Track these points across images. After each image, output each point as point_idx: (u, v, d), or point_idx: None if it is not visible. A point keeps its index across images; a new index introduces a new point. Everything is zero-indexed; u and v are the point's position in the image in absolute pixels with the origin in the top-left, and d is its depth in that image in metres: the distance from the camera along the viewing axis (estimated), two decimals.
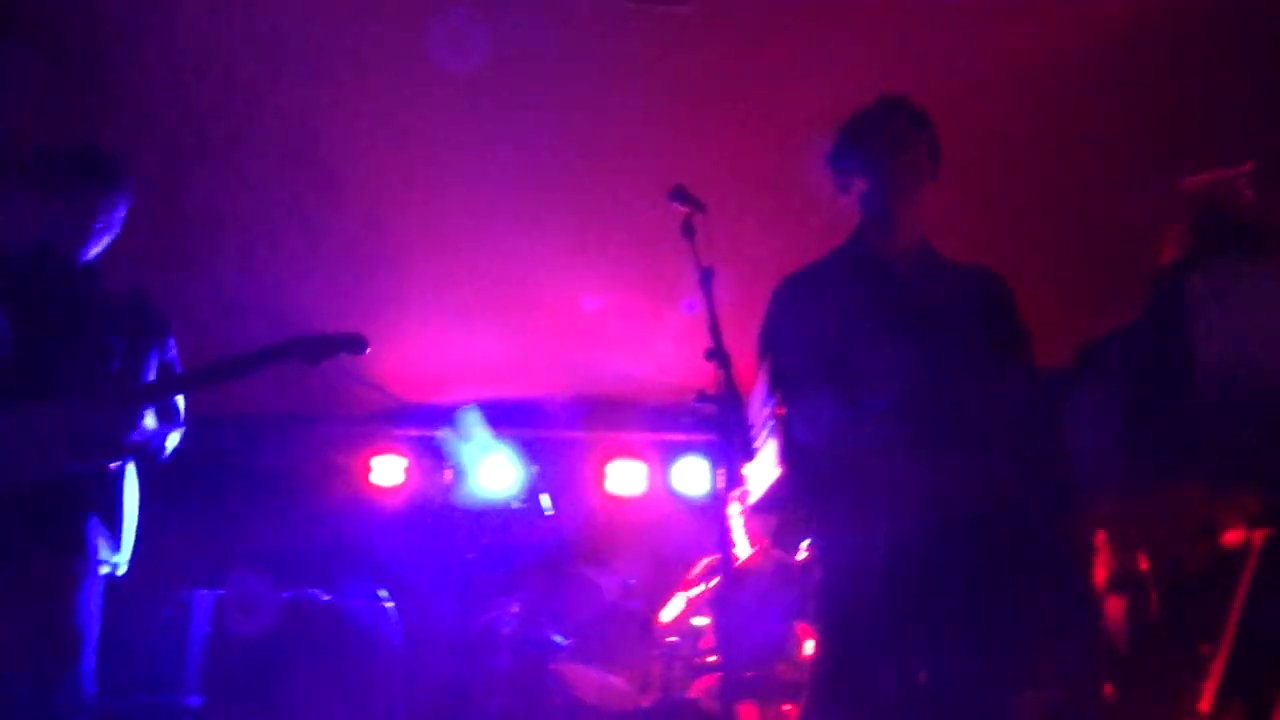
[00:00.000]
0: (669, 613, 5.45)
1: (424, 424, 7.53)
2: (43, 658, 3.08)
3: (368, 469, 7.46)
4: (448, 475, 7.33)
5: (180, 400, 3.54)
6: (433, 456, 7.45)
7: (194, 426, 7.54)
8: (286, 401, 7.39)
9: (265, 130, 4.95)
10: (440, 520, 7.11)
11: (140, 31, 4.42)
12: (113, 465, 3.29)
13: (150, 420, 3.32)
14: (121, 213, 3.46)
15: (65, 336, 3.25)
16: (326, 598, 5.60)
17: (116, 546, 3.34)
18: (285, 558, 6.44)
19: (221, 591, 5.48)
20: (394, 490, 7.45)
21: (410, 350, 6.88)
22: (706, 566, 5.57)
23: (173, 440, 3.54)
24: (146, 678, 5.10)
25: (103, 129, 4.85)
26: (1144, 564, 3.25)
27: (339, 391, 7.21)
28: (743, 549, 5.15)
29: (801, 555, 4.90)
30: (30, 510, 3.06)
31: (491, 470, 7.19)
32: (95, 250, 3.42)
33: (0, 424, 3.03)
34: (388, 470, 7.47)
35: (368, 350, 3.44)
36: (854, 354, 2.79)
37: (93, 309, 3.35)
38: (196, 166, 5.15)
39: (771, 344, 3.00)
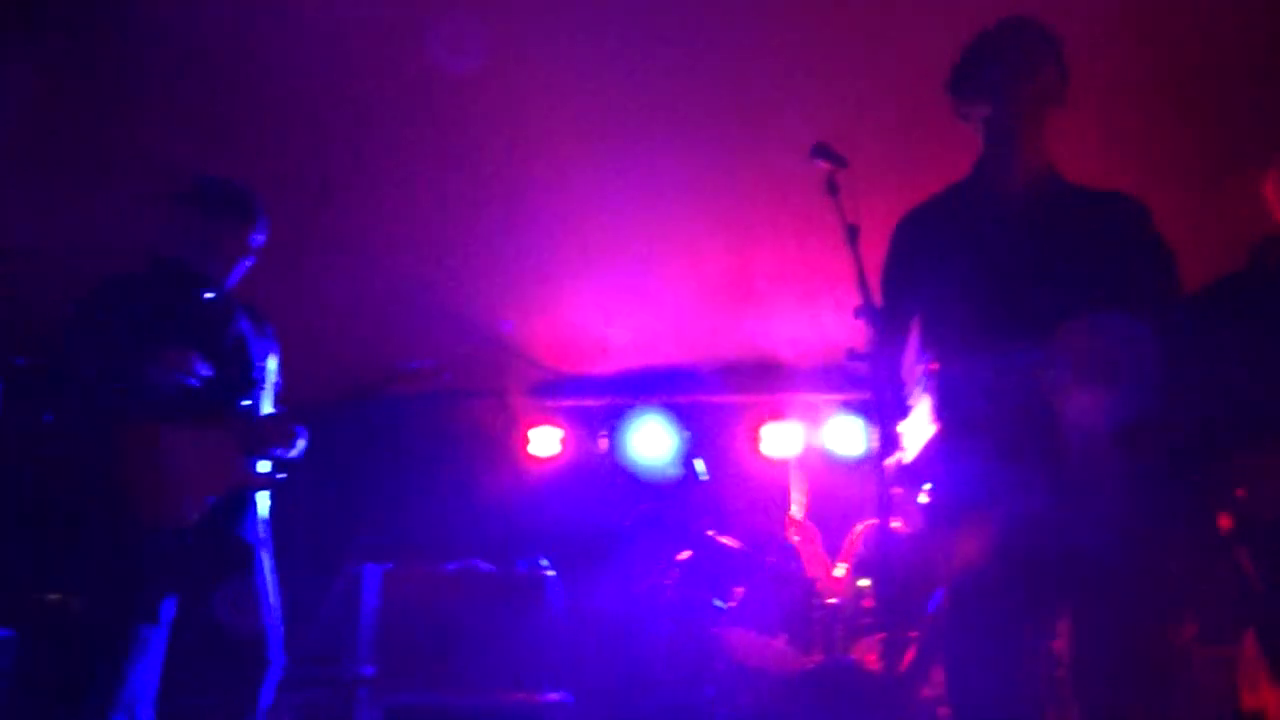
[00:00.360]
0: (829, 575, 5.42)
1: (579, 394, 7.63)
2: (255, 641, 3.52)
3: (526, 440, 7.59)
4: (603, 444, 7.42)
5: None
6: (589, 426, 7.54)
7: (361, 406, 7.81)
8: (448, 377, 7.57)
9: (411, 111, 5.03)
10: (597, 489, 7.21)
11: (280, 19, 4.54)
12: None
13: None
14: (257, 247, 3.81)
15: (236, 364, 3.64)
16: (490, 568, 5.73)
17: None
18: (450, 530, 6.62)
19: (390, 565, 5.65)
20: (551, 460, 7.56)
21: (563, 322, 6.95)
22: (865, 527, 5.52)
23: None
24: (322, 649, 5.30)
25: (241, 114, 5.03)
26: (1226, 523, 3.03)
27: (497, 365, 7.37)
28: (900, 509, 5.08)
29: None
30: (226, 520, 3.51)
31: (646, 438, 7.25)
32: (234, 279, 3.77)
33: (207, 438, 3.46)
34: (545, 441, 7.59)
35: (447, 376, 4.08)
36: (988, 297, 2.70)
37: (246, 334, 3.72)
38: (346, 151, 5.28)
39: (896, 287, 2.91)
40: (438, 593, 5.56)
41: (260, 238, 3.78)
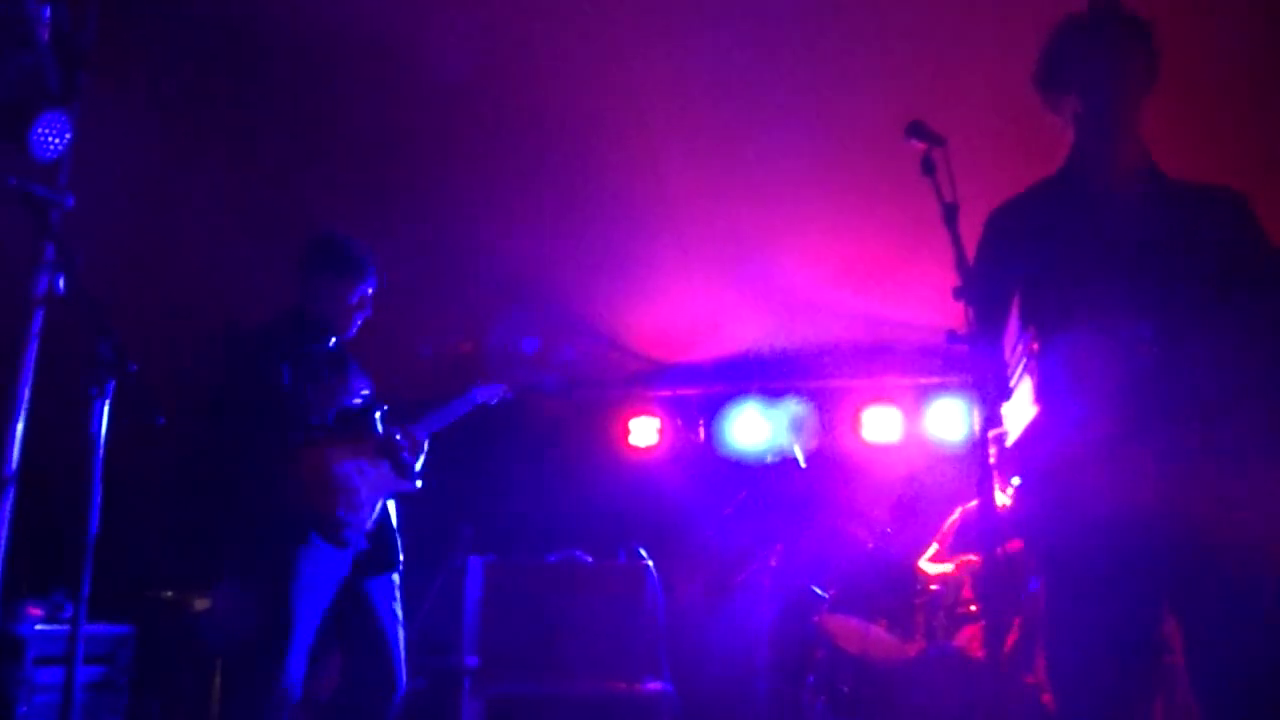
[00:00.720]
0: (930, 561, 5.35)
1: (676, 384, 7.62)
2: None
3: (626, 431, 7.61)
4: (701, 432, 7.41)
5: None
6: (686, 415, 7.53)
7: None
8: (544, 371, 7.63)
9: (510, 101, 5.07)
10: (696, 478, 7.20)
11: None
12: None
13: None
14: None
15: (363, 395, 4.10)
16: (591, 559, 5.75)
17: None
18: (551, 522, 6.66)
19: (493, 557, 5.71)
20: (650, 450, 7.57)
21: (659, 311, 6.96)
22: (965, 510, 5.43)
23: None
24: (427, 642, 5.37)
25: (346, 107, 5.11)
26: None
27: (595, 358, 7.40)
28: (1003, 492, 4.98)
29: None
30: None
31: (744, 425, 7.22)
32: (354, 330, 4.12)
33: (368, 453, 3.98)
34: (643, 431, 7.60)
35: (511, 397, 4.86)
36: (1098, 280, 2.63)
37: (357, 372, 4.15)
38: (446, 142, 5.33)
39: (993, 269, 2.84)
40: (539, 584, 5.60)
41: (370, 289, 4.09)
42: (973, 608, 5.03)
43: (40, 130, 3.53)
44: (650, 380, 7.67)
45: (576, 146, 5.36)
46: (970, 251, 2.73)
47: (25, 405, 3.69)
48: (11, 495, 3.62)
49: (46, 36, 3.59)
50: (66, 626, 5.09)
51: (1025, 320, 2.72)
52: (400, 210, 5.73)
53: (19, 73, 3.54)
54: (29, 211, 3.25)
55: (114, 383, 3.07)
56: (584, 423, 7.67)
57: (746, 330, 7.13)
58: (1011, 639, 4.53)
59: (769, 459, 6.86)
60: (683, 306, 6.84)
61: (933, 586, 5.16)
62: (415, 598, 5.40)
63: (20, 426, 3.66)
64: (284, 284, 4.13)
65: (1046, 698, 4.05)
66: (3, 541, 3.69)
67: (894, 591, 5.06)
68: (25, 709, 4.97)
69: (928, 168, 2.80)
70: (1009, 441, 2.93)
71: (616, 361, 7.56)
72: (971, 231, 2.77)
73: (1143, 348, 2.50)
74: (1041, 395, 2.65)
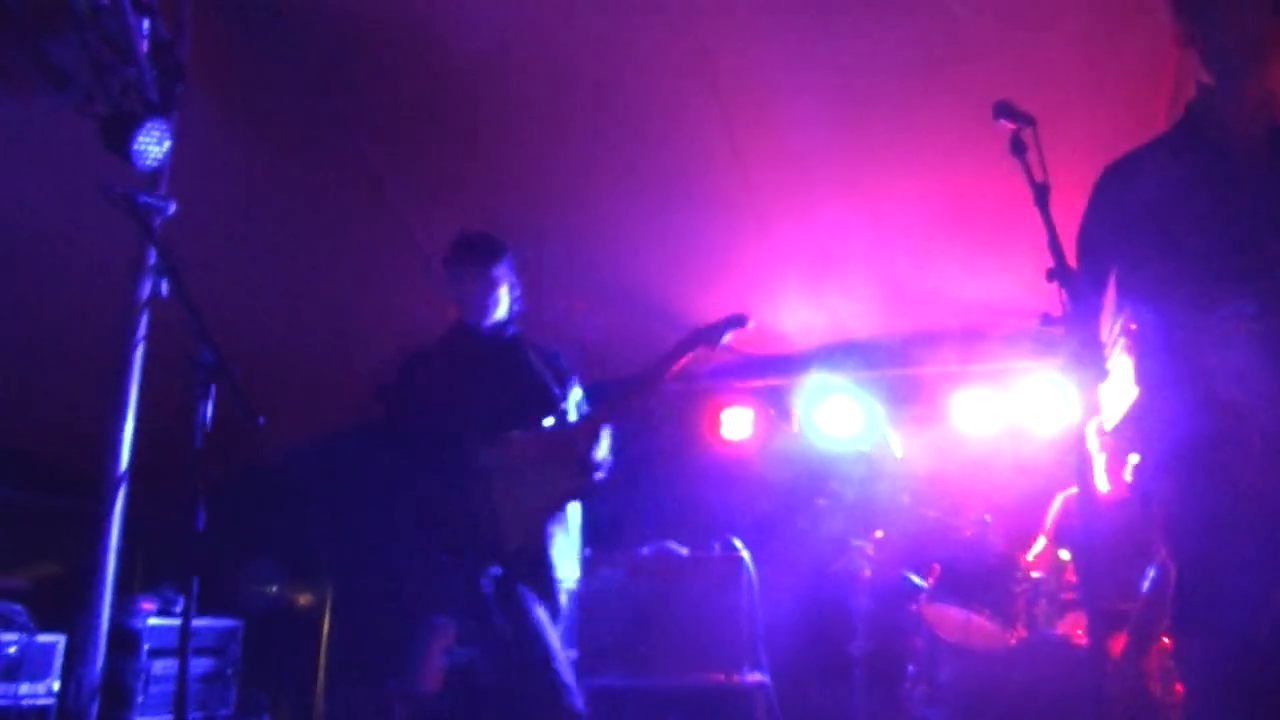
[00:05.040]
0: (1031, 548, 5.26)
1: (767, 374, 7.59)
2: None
3: (718, 423, 7.60)
4: (795, 423, 7.37)
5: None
6: (779, 406, 7.50)
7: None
8: (636, 366, 7.66)
9: (597, 98, 5.09)
10: (790, 468, 7.16)
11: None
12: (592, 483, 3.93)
13: (607, 439, 3.92)
14: (509, 278, 4.13)
15: (528, 389, 3.99)
16: (685, 551, 5.76)
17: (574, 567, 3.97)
18: (645, 514, 6.69)
19: (588, 551, 5.75)
20: (743, 442, 7.55)
21: (749, 302, 6.92)
22: (1066, 497, 5.34)
23: None
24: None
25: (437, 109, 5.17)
26: None
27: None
28: (1103, 477, 4.88)
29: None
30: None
31: (838, 415, 7.16)
32: (498, 312, 4.08)
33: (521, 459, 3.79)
34: (736, 423, 7.59)
35: (750, 324, 4.09)
36: (1201, 253, 2.52)
37: (531, 362, 4.09)
38: (525, 136, 5.38)
39: (1093, 245, 2.75)
40: (635, 577, 5.62)
41: (503, 268, 4.09)
42: (1074, 595, 4.95)
43: (141, 140, 3.64)
44: (742, 372, 7.65)
45: (660, 140, 5.36)
46: (1062, 232, 2.68)
47: (133, 406, 3.81)
48: (123, 494, 3.74)
49: (146, 48, 3.70)
50: (178, 620, 5.27)
51: (1122, 297, 2.65)
52: (491, 207, 5.79)
53: (121, 85, 3.65)
54: (132, 218, 3.35)
55: (215, 385, 3.15)
56: (676, 416, 7.67)
57: (837, 319, 7.08)
58: (1124, 634, 4.44)
59: (863, 449, 6.81)
60: (772, 296, 6.80)
61: (1034, 574, 5.08)
62: None
63: (129, 427, 3.78)
64: (372, 288, 4.18)
65: (1153, 685, 3.96)
66: (116, 538, 3.82)
67: (993, 579, 4.98)
68: (142, 699, 5.14)
69: (1017, 148, 2.76)
70: (1108, 425, 2.86)
71: (706, 354, 7.55)
72: (1062, 212, 2.71)
73: (1242, 325, 2.42)
74: (1142, 376, 2.59)
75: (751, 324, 4.05)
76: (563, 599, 3.80)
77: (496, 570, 3.64)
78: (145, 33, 3.72)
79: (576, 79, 4.97)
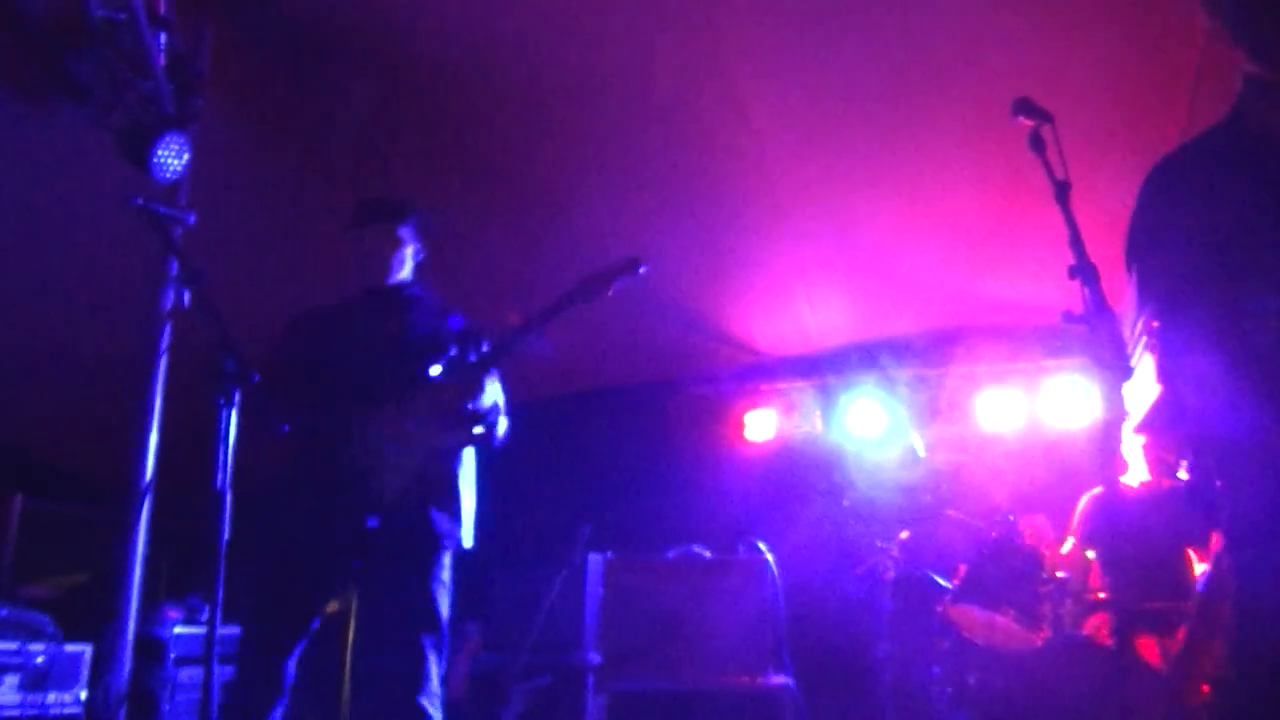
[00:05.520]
0: (1056, 548, 5.23)
1: (791, 376, 7.59)
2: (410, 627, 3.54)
3: (742, 425, 7.60)
4: (818, 424, 7.36)
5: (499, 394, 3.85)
6: (803, 407, 7.49)
7: (579, 400, 7.98)
8: (659, 369, 7.68)
9: (612, 95, 5.09)
10: (814, 469, 7.15)
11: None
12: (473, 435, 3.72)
13: (494, 390, 3.67)
14: (411, 239, 4.00)
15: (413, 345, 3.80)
16: (710, 553, 5.75)
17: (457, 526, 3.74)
18: (669, 517, 6.68)
19: (612, 554, 5.75)
20: (767, 444, 7.54)
21: (771, 303, 6.93)
22: (1092, 496, 5.30)
23: (503, 426, 3.83)
24: (549, 639, 5.43)
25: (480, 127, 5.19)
26: None
27: (708, 353, 7.41)
28: (1129, 475, 4.86)
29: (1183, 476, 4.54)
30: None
31: (862, 415, 7.14)
32: (402, 273, 3.96)
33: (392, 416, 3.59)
34: (760, 424, 7.58)
35: (643, 269, 3.74)
36: (1244, 253, 2.47)
37: (409, 314, 3.91)
38: (547, 140, 5.39)
39: (1141, 244, 2.68)
40: (659, 580, 5.61)
41: (408, 230, 3.98)
42: (1101, 595, 4.91)
43: (161, 152, 3.67)
44: (765, 373, 7.65)
45: (680, 142, 5.35)
46: (1083, 228, 2.66)
47: (158, 416, 3.84)
48: (149, 503, 3.76)
49: (163, 62, 3.73)
50: (204, 628, 5.28)
51: (1145, 294, 2.62)
52: (512, 210, 5.80)
53: (139, 99, 3.68)
54: (154, 230, 3.37)
55: (239, 393, 3.15)
56: (700, 418, 7.67)
57: (859, 319, 7.06)
58: (1151, 635, 4.41)
59: (886, 448, 6.79)
60: (794, 297, 6.80)
61: (1059, 574, 5.05)
62: (537, 596, 5.47)
63: (154, 437, 3.80)
64: None
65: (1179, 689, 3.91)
66: (142, 547, 3.84)
67: (1019, 580, 4.95)
68: (168, 707, 5.16)
69: (1036, 145, 2.74)
70: (1131, 424, 2.83)
71: (730, 355, 7.55)
72: (1083, 209, 2.69)
73: (1271, 322, 2.38)
74: (1164, 374, 2.56)
75: (643, 270, 3.75)
76: (446, 559, 3.65)
77: (374, 522, 3.53)
78: (162, 47, 3.75)
79: (603, 89, 4.98)
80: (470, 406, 3.61)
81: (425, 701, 3.44)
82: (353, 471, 3.55)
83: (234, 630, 3.77)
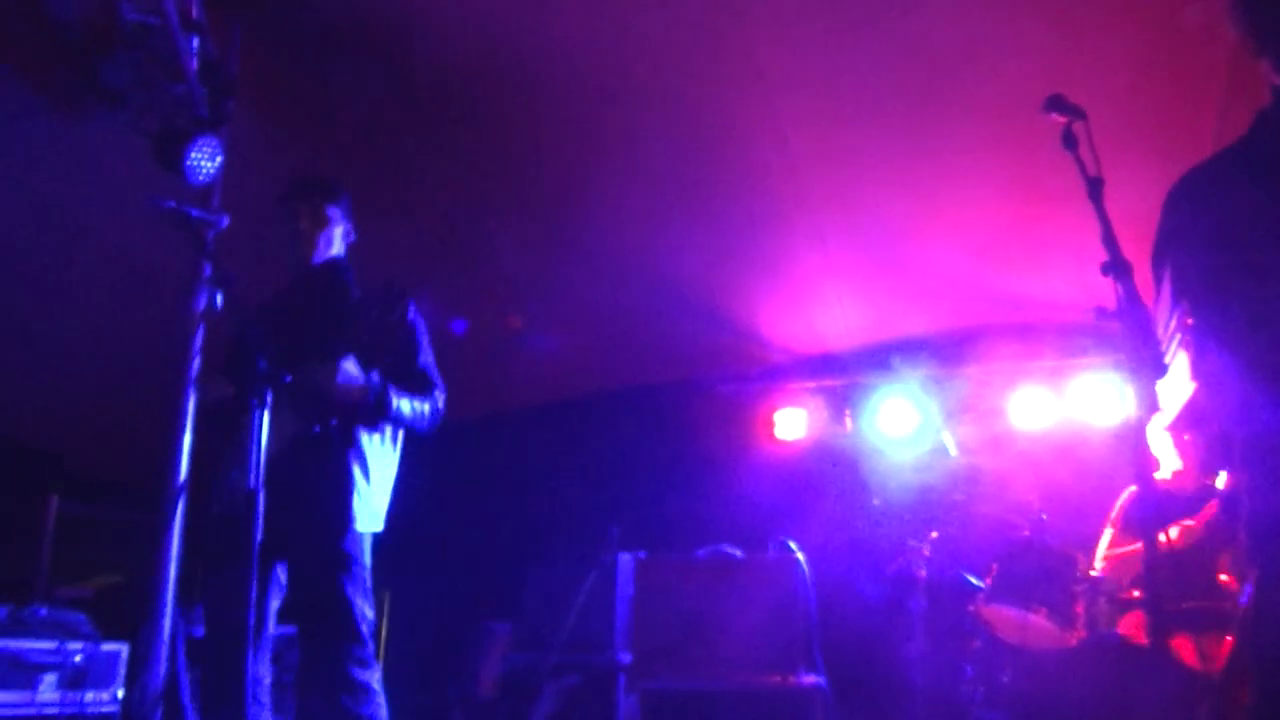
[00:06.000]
0: (1110, 549, 5.19)
1: (821, 375, 7.57)
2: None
3: (772, 424, 7.58)
4: (848, 423, 7.33)
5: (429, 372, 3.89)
6: (833, 406, 7.47)
7: (610, 400, 7.98)
8: (689, 369, 7.68)
9: (636, 102, 5.09)
10: (845, 468, 7.13)
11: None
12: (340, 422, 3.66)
13: (351, 368, 3.60)
14: (341, 219, 4.01)
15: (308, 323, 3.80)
16: (740, 553, 5.74)
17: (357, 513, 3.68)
18: (700, 517, 6.68)
19: (643, 554, 5.75)
20: (797, 443, 7.53)
21: (800, 301, 6.92)
22: (1128, 496, 5.26)
23: (415, 407, 3.80)
24: (580, 639, 5.44)
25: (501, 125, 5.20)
26: None
27: (736, 353, 7.40)
28: (1164, 474, 4.82)
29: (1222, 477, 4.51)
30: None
31: (893, 414, 7.12)
32: (333, 250, 3.97)
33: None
34: (791, 423, 7.57)
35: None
36: (1269, 253, 2.46)
37: (330, 296, 3.90)
38: (573, 142, 5.39)
39: (1168, 247, 2.69)
40: (689, 579, 5.61)
41: (337, 210, 3.98)
42: (1135, 593, 4.87)
43: (194, 155, 3.69)
44: (796, 372, 7.63)
45: (707, 141, 5.35)
46: (1116, 225, 2.64)
47: (191, 418, 3.86)
48: (182, 504, 3.79)
49: (195, 66, 3.75)
50: None
51: (1178, 293, 2.61)
52: (542, 213, 5.82)
53: (171, 103, 3.71)
54: (186, 233, 3.39)
55: (271, 393, 3.17)
56: (729, 417, 7.67)
57: (889, 317, 7.04)
58: (1188, 635, 4.37)
59: (918, 447, 6.77)
60: (825, 295, 6.78)
61: (1093, 572, 5.01)
62: (567, 596, 5.48)
63: (187, 438, 3.83)
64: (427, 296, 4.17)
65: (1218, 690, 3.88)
66: (177, 548, 3.86)
67: (1052, 579, 4.91)
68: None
69: (1069, 141, 2.73)
70: (1165, 421, 2.82)
71: (759, 355, 7.55)
72: (1116, 205, 2.67)
73: None
74: (1197, 371, 2.55)
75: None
76: (337, 542, 3.58)
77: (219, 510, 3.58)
78: (195, 50, 3.77)
79: (627, 90, 4.98)
80: (323, 391, 3.55)
81: None
82: (239, 457, 3.61)
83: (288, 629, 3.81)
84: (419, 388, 3.85)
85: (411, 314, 3.95)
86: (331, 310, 3.87)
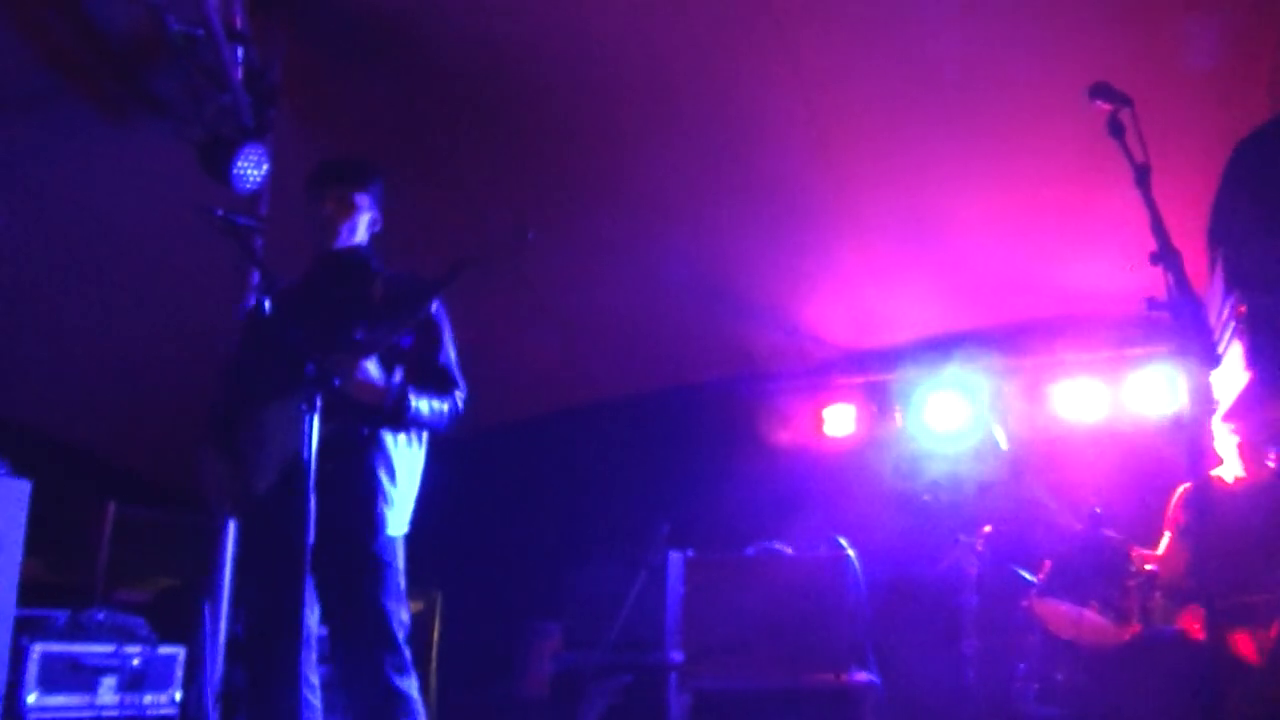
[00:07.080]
0: (1145, 540, 5.11)
1: (870, 370, 7.53)
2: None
3: (821, 420, 7.55)
4: (898, 418, 7.28)
5: (450, 374, 3.73)
6: (882, 401, 7.43)
7: (659, 398, 7.98)
8: (738, 366, 7.67)
9: (677, 100, 5.09)
10: (895, 464, 7.09)
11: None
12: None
13: (372, 369, 3.40)
14: (369, 207, 3.79)
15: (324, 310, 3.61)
16: (790, 550, 5.72)
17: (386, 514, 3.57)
18: (749, 515, 6.66)
19: (693, 552, 5.74)
20: (847, 439, 7.49)
21: (847, 297, 6.89)
22: (1186, 490, 5.17)
23: (434, 407, 3.63)
24: (631, 638, 5.44)
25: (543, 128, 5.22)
26: None
27: (786, 349, 7.38)
28: (1219, 465, 4.73)
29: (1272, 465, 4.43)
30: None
31: (942, 408, 7.06)
32: (356, 238, 3.77)
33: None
34: (839, 420, 7.53)
35: (530, 235, 3.34)
36: None
37: (355, 283, 3.70)
38: (624, 145, 5.40)
39: (1227, 225, 2.65)
40: (740, 578, 5.59)
41: (366, 197, 3.80)
42: (1193, 587, 4.79)
43: (240, 164, 3.74)
44: (844, 367, 7.60)
45: (749, 138, 5.34)
46: (1166, 214, 2.61)
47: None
48: None
49: (240, 75, 3.80)
50: None
51: (1231, 281, 2.57)
52: (591, 215, 5.83)
53: (218, 113, 3.76)
54: (235, 240, 3.42)
55: (320, 397, 3.16)
56: (778, 414, 7.64)
57: (939, 311, 6.99)
58: (1246, 631, 4.29)
59: (968, 442, 6.71)
60: (872, 291, 6.75)
61: (1147, 566, 4.94)
62: (617, 595, 5.49)
63: None
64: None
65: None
66: (231, 552, 3.92)
67: (1106, 573, 4.84)
68: None
69: (1115, 129, 2.70)
70: (1220, 412, 2.78)
71: (808, 351, 7.52)
72: (1163, 194, 2.63)
73: None
74: (1253, 360, 2.51)
75: (531, 235, 3.35)
76: (369, 548, 3.45)
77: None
78: (239, 60, 3.82)
79: (679, 93, 4.99)
80: (338, 390, 3.22)
81: None
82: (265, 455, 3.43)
83: (321, 631, 3.81)
84: (439, 386, 3.67)
85: (435, 310, 3.76)
86: (349, 298, 3.68)
